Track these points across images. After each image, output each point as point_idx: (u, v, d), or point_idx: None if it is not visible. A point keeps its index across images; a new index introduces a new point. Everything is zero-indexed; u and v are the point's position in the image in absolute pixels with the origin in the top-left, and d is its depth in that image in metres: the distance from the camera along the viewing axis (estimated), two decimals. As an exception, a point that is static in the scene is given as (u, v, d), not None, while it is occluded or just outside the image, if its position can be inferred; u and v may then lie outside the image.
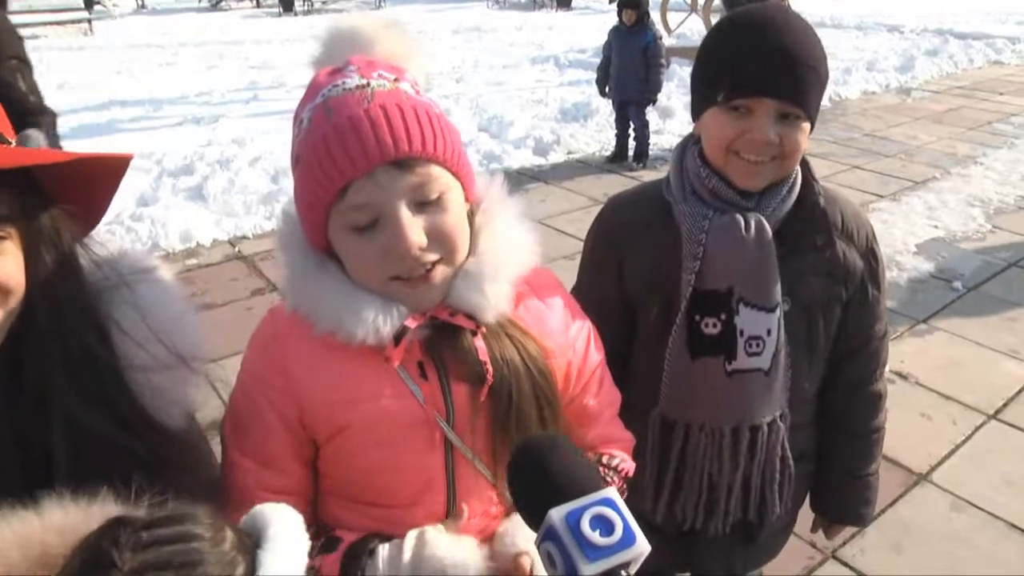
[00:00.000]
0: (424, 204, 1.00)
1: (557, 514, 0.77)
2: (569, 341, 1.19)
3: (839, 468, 1.67)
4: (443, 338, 1.07)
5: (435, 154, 0.99)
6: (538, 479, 0.82)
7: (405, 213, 0.97)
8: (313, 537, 1.05)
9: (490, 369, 1.06)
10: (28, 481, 0.84)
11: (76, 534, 0.64)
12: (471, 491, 1.12)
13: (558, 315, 1.19)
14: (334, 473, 1.13)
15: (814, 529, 1.81)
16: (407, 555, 1.02)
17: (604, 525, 0.76)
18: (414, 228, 0.98)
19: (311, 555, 1.01)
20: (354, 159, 0.95)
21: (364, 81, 0.99)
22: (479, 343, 1.07)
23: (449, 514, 1.11)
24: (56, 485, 0.84)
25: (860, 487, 1.68)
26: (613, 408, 1.29)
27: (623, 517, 0.77)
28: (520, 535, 1.08)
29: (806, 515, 1.78)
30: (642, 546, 0.75)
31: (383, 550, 1.03)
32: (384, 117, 0.96)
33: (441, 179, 1.01)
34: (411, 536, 1.03)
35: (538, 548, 0.79)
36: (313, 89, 1.03)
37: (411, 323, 1.04)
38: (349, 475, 1.11)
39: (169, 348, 0.94)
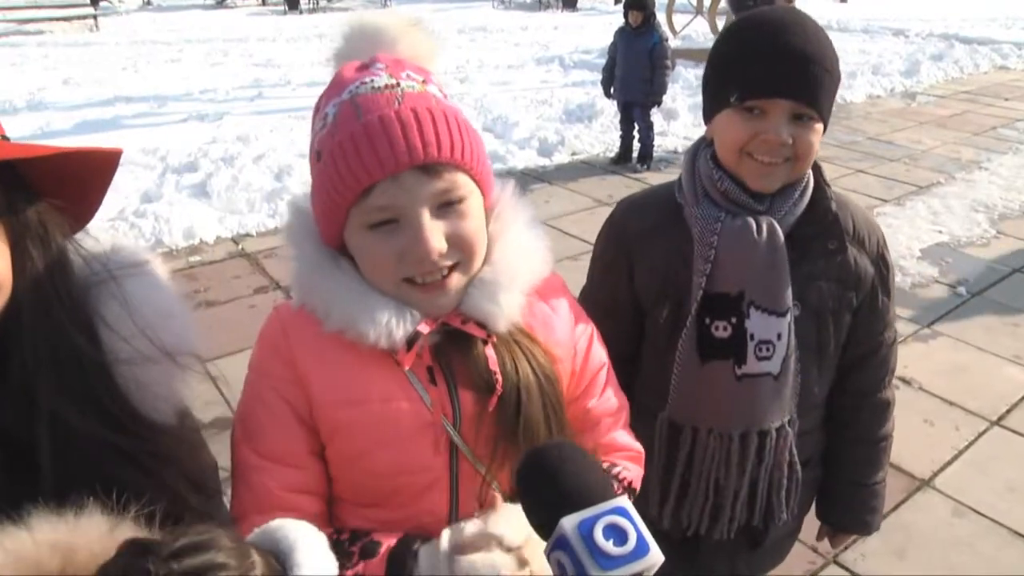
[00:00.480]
0: (446, 209, 0.99)
1: (569, 523, 0.75)
2: (573, 343, 1.19)
3: (846, 476, 1.67)
4: (453, 345, 1.07)
5: (462, 161, 0.99)
6: (549, 487, 0.80)
7: (427, 218, 0.97)
8: (349, 542, 1.02)
9: (500, 379, 1.05)
10: (10, 477, 0.83)
11: (68, 549, 0.63)
12: (474, 495, 1.11)
13: (564, 319, 1.19)
14: (339, 477, 1.11)
15: (819, 537, 1.80)
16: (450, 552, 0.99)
17: (617, 534, 0.74)
18: (435, 233, 0.97)
19: (351, 563, 1.00)
20: (382, 161, 0.94)
21: (393, 81, 0.98)
22: (489, 352, 1.06)
23: (451, 516, 1.10)
24: (40, 481, 0.83)
25: (867, 495, 1.67)
26: (619, 415, 1.28)
27: (636, 527, 0.75)
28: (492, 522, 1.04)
29: (809, 519, 1.77)
30: (656, 556, 0.74)
31: (426, 551, 1.00)
32: (415, 120, 0.95)
33: (465, 186, 1.00)
34: (446, 535, 1.01)
35: (548, 557, 0.77)
36: (338, 84, 1.02)
37: (424, 328, 1.03)
38: (354, 478, 1.10)
39: (154, 342, 0.93)
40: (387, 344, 1.01)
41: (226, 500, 1.13)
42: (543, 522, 0.79)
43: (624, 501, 0.78)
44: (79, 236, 0.97)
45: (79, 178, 0.94)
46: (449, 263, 1.01)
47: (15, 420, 0.85)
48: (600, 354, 1.25)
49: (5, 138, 0.91)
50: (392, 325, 1.01)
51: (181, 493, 0.94)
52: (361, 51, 1.06)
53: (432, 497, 1.09)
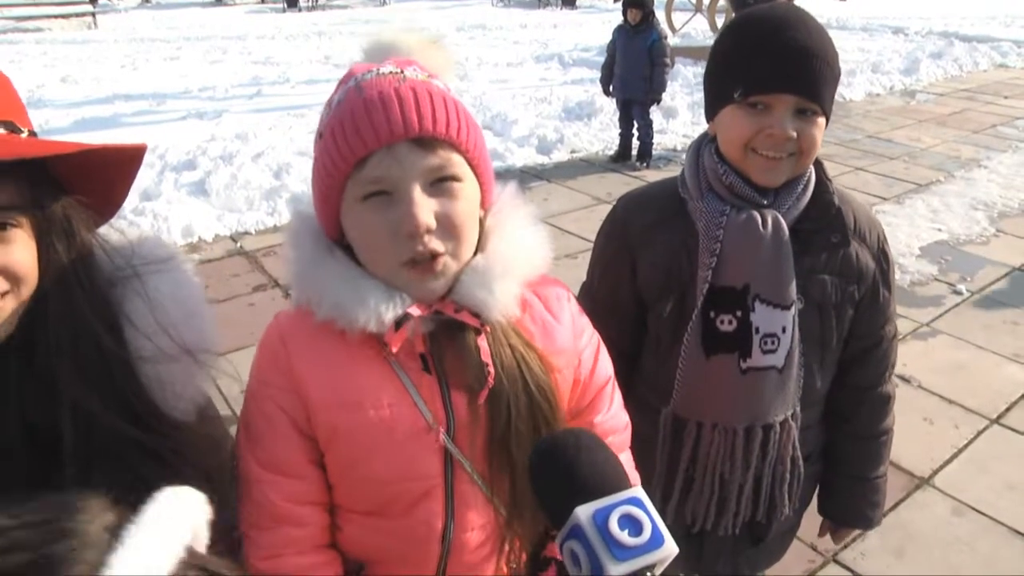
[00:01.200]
0: (438, 187, 0.99)
1: (584, 512, 0.75)
2: (577, 353, 1.17)
3: (846, 470, 1.67)
4: (446, 337, 1.05)
5: (458, 140, 0.99)
6: (563, 476, 0.80)
7: (418, 192, 0.97)
8: None
9: (492, 371, 1.04)
10: (34, 462, 0.86)
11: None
12: (469, 503, 1.11)
13: (566, 328, 1.16)
14: (337, 483, 1.11)
15: (821, 533, 1.80)
16: None
17: (632, 525, 0.74)
18: (424, 208, 0.97)
19: None
20: (378, 131, 0.95)
21: (398, 70, 1.00)
22: (482, 343, 1.05)
23: (446, 527, 1.10)
24: (63, 474, 0.85)
25: (868, 489, 1.67)
26: (625, 435, 1.26)
27: (651, 517, 0.75)
28: None
29: (808, 518, 1.77)
30: (670, 548, 0.74)
31: None
32: (413, 96, 0.96)
33: (459, 167, 1.00)
34: None
35: (560, 547, 0.77)
36: (347, 76, 1.04)
37: (415, 311, 1.02)
38: (352, 484, 1.10)
39: (176, 341, 0.94)
40: (376, 326, 1.00)
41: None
42: (557, 510, 0.78)
43: (639, 491, 0.78)
44: (103, 230, 0.98)
45: (104, 173, 0.95)
46: (437, 246, 0.99)
47: (41, 410, 0.87)
48: (607, 367, 1.24)
49: (33, 133, 0.92)
50: (381, 307, 1.00)
51: (192, 484, 0.95)
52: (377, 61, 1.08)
53: (428, 506, 1.09)
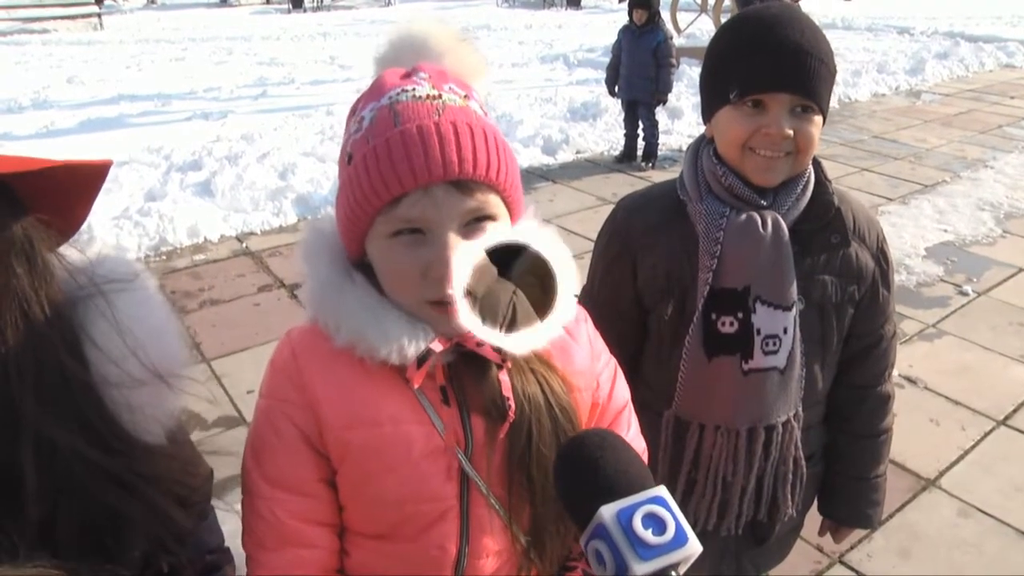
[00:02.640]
0: (473, 227, 0.96)
1: (608, 512, 0.75)
2: (595, 375, 1.16)
3: (846, 470, 1.67)
4: (467, 368, 1.03)
5: (495, 181, 0.96)
6: (588, 475, 0.80)
7: (453, 236, 0.94)
8: None
9: (512, 406, 1.01)
10: None
11: None
12: (484, 528, 1.07)
13: (583, 348, 1.15)
14: (348, 504, 1.08)
15: (822, 532, 1.79)
16: None
17: (656, 524, 0.74)
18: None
19: None
20: (416, 171, 0.91)
21: (436, 92, 0.96)
22: (503, 377, 1.02)
23: (460, 551, 1.07)
24: (24, 504, 0.81)
25: (868, 488, 1.67)
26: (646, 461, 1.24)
27: (675, 516, 0.75)
28: None
29: (812, 519, 1.77)
30: (694, 546, 0.74)
31: None
32: (454, 134, 0.92)
33: (496, 208, 0.97)
34: None
35: (585, 547, 0.77)
36: (378, 89, 0.99)
37: (436, 346, 0.99)
38: (363, 506, 1.07)
39: (145, 364, 0.89)
40: (398, 360, 0.97)
41: (237, 514, 1.12)
42: (581, 510, 0.78)
43: (663, 490, 0.77)
44: (62, 248, 0.93)
45: (67, 190, 0.91)
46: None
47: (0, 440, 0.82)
48: (624, 391, 1.22)
49: None
50: (404, 341, 0.97)
51: (167, 512, 0.92)
52: (405, 60, 1.03)
53: (442, 529, 1.06)
